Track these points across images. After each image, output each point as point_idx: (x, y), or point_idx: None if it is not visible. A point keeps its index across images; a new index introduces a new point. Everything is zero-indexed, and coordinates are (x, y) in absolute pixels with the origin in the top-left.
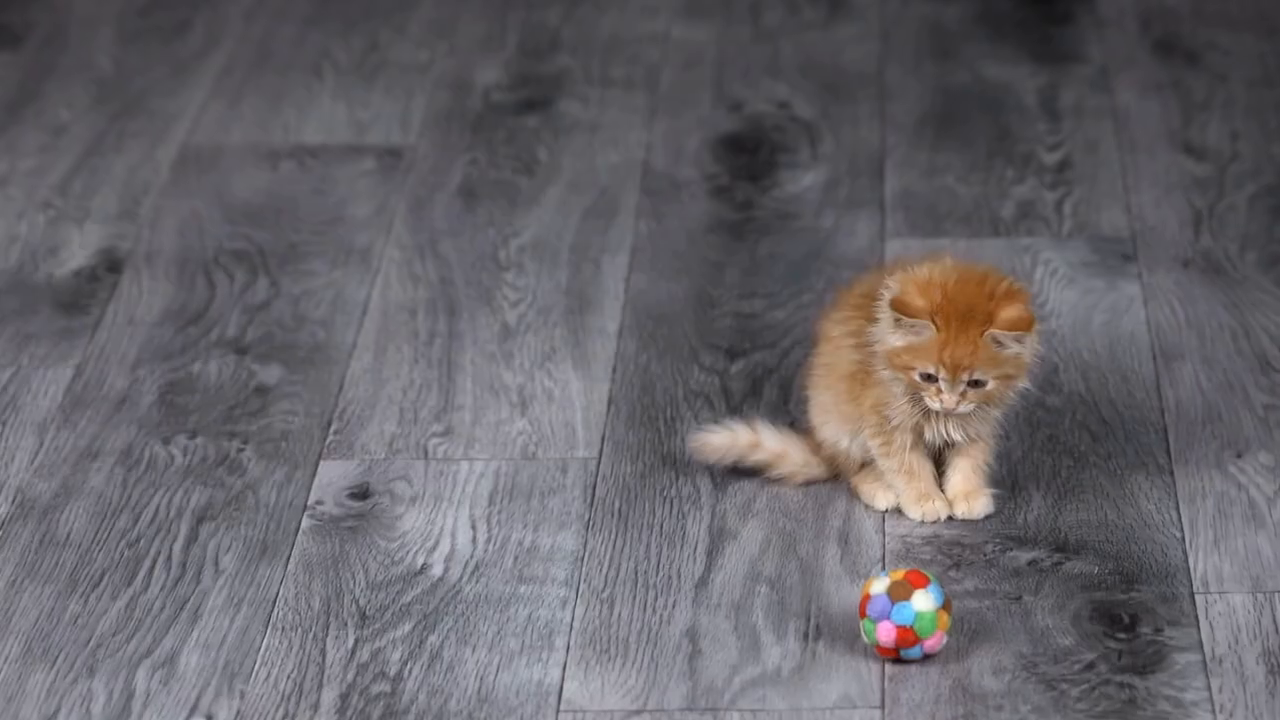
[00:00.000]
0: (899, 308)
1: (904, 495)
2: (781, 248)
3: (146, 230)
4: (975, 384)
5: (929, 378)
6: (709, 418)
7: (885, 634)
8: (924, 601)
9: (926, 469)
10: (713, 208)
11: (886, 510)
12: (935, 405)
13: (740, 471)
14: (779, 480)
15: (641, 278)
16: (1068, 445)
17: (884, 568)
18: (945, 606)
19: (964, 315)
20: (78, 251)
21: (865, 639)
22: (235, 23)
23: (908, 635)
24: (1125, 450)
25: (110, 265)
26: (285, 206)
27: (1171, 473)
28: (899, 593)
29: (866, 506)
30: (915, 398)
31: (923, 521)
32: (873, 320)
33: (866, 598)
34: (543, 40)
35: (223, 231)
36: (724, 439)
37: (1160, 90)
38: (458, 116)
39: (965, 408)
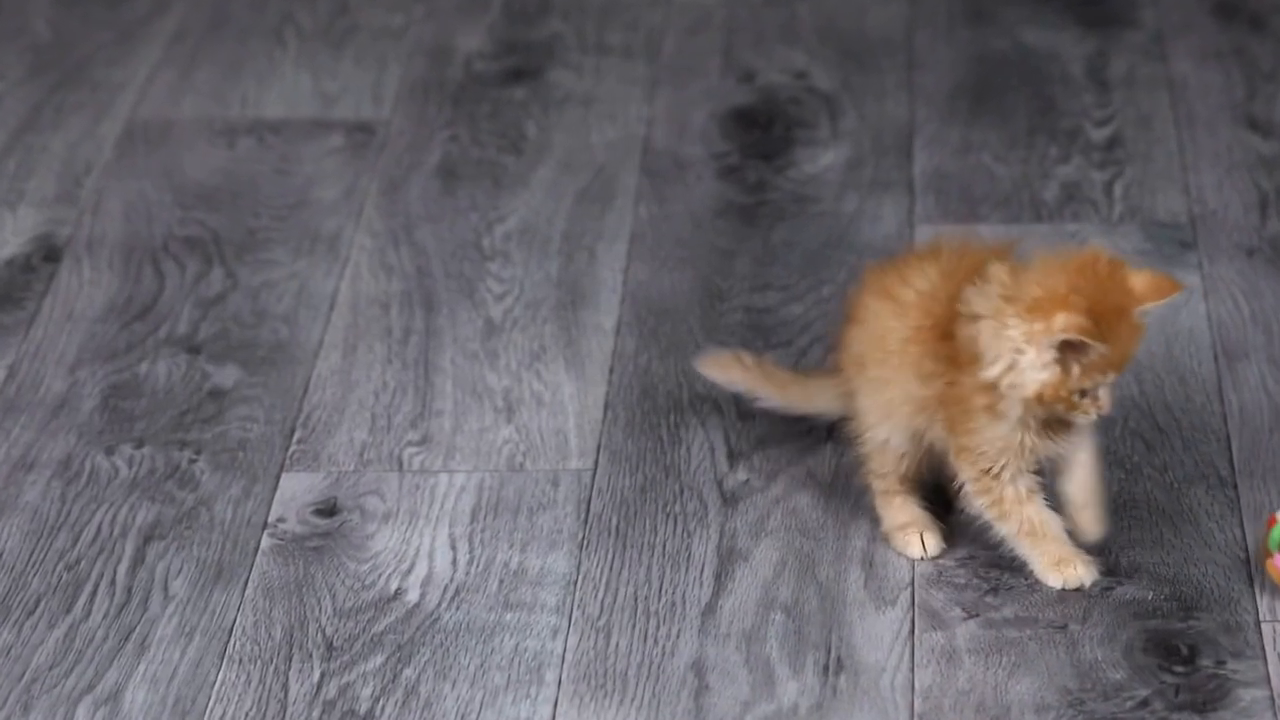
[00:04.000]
0: (1091, 335)
1: (1036, 562)
2: (798, 234)
3: (88, 215)
4: None
5: (1085, 393)
6: (717, 425)
7: None
8: None
9: (1053, 522)
10: (721, 190)
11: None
12: (1088, 418)
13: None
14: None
15: (641, 268)
16: (1119, 455)
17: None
18: None
19: (1115, 310)
20: (11, 239)
21: None
22: None
23: None
24: (1183, 461)
25: (47, 254)
26: (243, 188)
27: (1235, 486)
28: None
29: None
30: (1046, 427)
31: (1064, 588)
32: (973, 359)
33: None
34: (531, 2)
35: (173, 216)
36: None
37: (1222, 58)
38: (436, 88)
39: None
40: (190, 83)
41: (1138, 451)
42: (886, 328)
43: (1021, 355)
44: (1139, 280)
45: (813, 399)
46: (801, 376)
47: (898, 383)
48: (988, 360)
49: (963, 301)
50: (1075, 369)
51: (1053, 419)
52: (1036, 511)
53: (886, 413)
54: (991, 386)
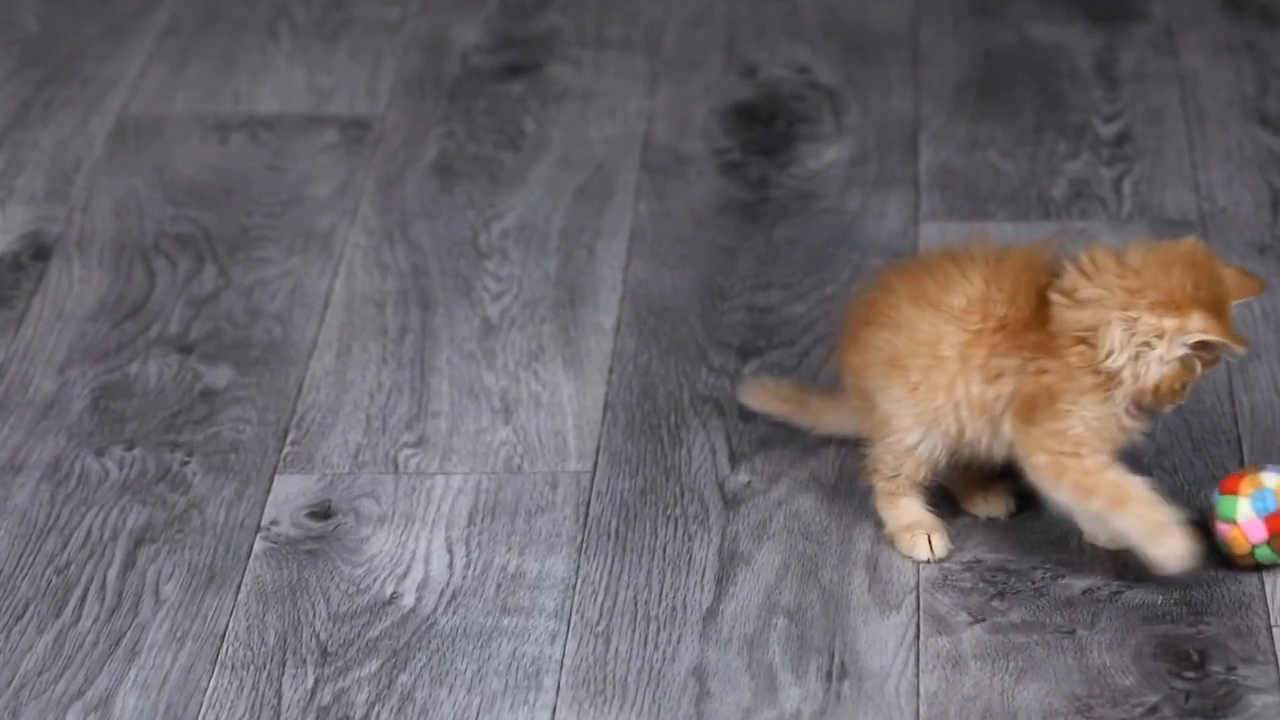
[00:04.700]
0: (1227, 337)
1: (1135, 533)
2: (801, 232)
3: (78, 212)
4: None
5: (1185, 384)
6: (718, 426)
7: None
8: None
9: (1139, 482)
10: (723, 186)
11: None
12: (1174, 406)
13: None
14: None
15: (641, 266)
16: (1128, 457)
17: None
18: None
19: (1225, 305)
20: (0, 236)
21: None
22: None
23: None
24: (1193, 463)
25: (37, 252)
26: (236, 185)
27: None
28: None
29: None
30: (1127, 413)
31: (1177, 568)
32: (1075, 342)
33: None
34: None
35: (165, 213)
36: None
37: (1233, 52)
38: (432, 82)
39: None
40: (182, 78)
41: (1147, 453)
42: (938, 333)
43: (1150, 349)
44: (1228, 275)
45: (845, 420)
46: (835, 400)
47: (955, 388)
48: (1107, 348)
49: (1064, 289)
50: (1198, 365)
51: (1144, 404)
52: (1120, 475)
53: (929, 419)
54: (1100, 370)
